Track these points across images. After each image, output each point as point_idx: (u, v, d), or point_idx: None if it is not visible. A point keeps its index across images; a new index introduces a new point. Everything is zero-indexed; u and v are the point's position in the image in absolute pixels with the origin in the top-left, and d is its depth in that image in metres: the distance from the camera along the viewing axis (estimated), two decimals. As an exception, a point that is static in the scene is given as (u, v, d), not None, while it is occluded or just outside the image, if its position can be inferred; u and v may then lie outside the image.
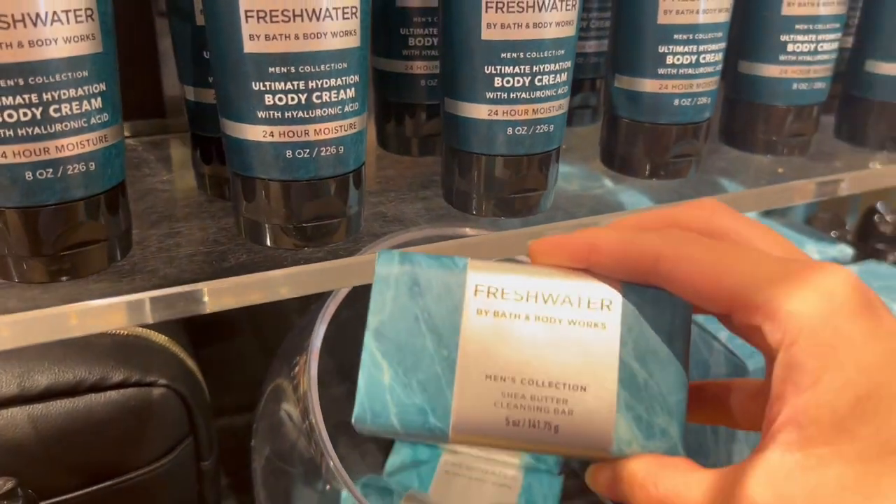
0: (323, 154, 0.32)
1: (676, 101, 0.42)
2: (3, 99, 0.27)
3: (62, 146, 0.29)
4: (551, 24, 0.35)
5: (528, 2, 0.34)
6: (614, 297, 0.25)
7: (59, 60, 0.28)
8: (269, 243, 0.35)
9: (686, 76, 0.42)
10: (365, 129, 0.35)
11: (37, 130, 0.28)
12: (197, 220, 0.38)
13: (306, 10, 0.30)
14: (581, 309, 0.24)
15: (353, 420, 0.25)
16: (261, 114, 0.31)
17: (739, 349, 0.50)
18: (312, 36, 0.30)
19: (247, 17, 0.30)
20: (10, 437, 0.41)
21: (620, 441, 0.24)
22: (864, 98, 0.51)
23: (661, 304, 0.25)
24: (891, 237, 0.82)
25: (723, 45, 0.42)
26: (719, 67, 0.43)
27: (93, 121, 0.30)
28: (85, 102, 0.29)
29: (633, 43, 0.42)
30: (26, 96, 0.27)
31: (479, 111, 0.36)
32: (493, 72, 0.35)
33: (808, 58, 0.46)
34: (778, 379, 0.21)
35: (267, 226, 0.34)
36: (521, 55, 0.35)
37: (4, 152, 0.28)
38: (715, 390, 0.28)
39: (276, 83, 0.31)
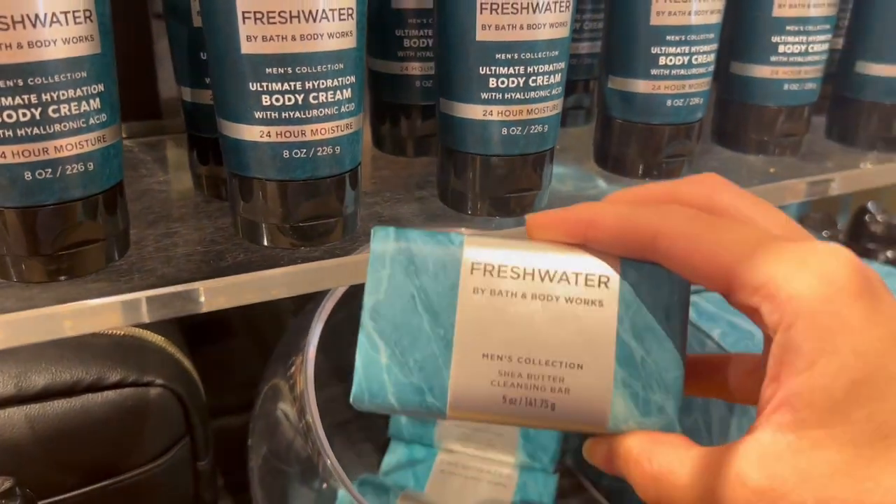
0: (319, 154, 0.33)
1: (669, 102, 0.43)
2: (3, 99, 0.27)
3: (61, 146, 0.29)
4: (545, 26, 0.35)
5: (522, 3, 0.34)
6: (612, 274, 0.24)
7: (57, 61, 0.28)
8: (265, 243, 0.35)
9: (678, 77, 0.42)
10: (361, 129, 0.35)
11: (36, 131, 0.28)
12: (194, 220, 0.39)
13: (303, 11, 0.30)
14: (578, 286, 0.24)
15: (351, 399, 0.25)
16: (258, 114, 0.32)
17: (733, 348, 0.50)
18: (309, 37, 0.31)
19: (244, 18, 0.30)
20: (8, 437, 0.42)
21: (617, 418, 0.24)
22: (855, 99, 0.51)
23: (659, 280, 0.24)
24: (881, 237, 0.82)
25: (715, 46, 0.43)
26: (711, 68, 0.44)
27: (91, 121, 0.30)
28: (83, 103, 0.29)
29: (626, 44, 0.42)
30: (25, 97, 0.28)
31: (474, 111, 0.37)
32: (488, 72, 0.36)
33: (799, 59, 0.47)
34: (774, 360, 0.21)
35: (264, 225, 0.34)
36: (516, 56, 0.35)
37: (3, 152, 0.28)
38: (713, 363, 0.28)
39: (273, 84, 0.31)
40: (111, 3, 0.31)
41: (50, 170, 0.29)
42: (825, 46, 0.48)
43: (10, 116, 0.28)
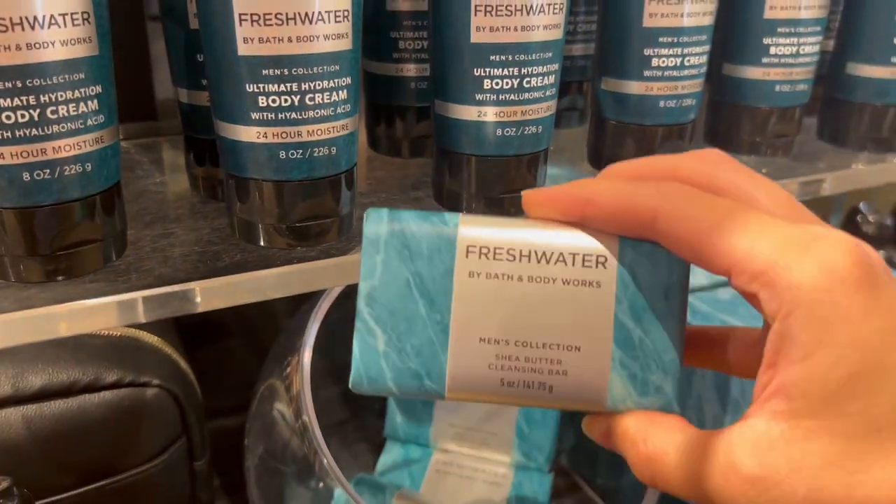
0: (316, 155, 0.33)
1: (662, 103, 0.43)
2: (1, 101, 0.28)
3: (59, 147, 0.29)
4: (539, 28, 0.35)
5: (516, 5, 0.34)
6: (609, 254, 0.24)
7: (56, 63, 0.28)
8: (262, 243, 0.35)
9: (671, 78, 0.42)
10: (356, 130, 0.35)
11: (34, 132, 0.29)
12: (190, 220, 0.39)
13: (299, 13, 0.30)
14: (575, 267, 0.24)
15: (350, 384, 0.25)
16: (254, 115, 0.32)
17: (725, 346, 0.50)
18: (305, 39, 0.31)
19: (241, 20, 0.30)
20: (5, 438, 0.42)
21: (615, 399, 0.24)
22: (846, 100, 0.52)
23: (657, 260, 0.24)
24: (873, 237, 0.83)
25: (707, 47, 0.43)
26: (703, 70, 0.44)
27: (89, 122, 0.30)
28: (81, 104, 0.29)
29: (619, 46, 0.43)
30: (24, 98, 0.28)
31: (468, 113, 0.37)
32: (483, 74, 0.36)
33: (791, 60, 0.47)
34: (771, 347, 0.20)
35: (260, 226, 0.35)
36: (510, 58, 0.35)
37: (2, 153, 0.28)
38: (714, 336, 0.28)
39: (270, 85, 0.31)
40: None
41: (48, 170, 0.29)
42: (816, 48, 0.48)
43: (8, 118, 0.28)
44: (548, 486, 0.60)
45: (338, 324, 0.49)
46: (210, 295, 0.33)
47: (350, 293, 0.25)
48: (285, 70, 0.31)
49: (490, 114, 0.37)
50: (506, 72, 0.36)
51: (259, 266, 0.34)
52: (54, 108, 0.29)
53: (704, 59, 0.44)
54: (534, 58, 0.36)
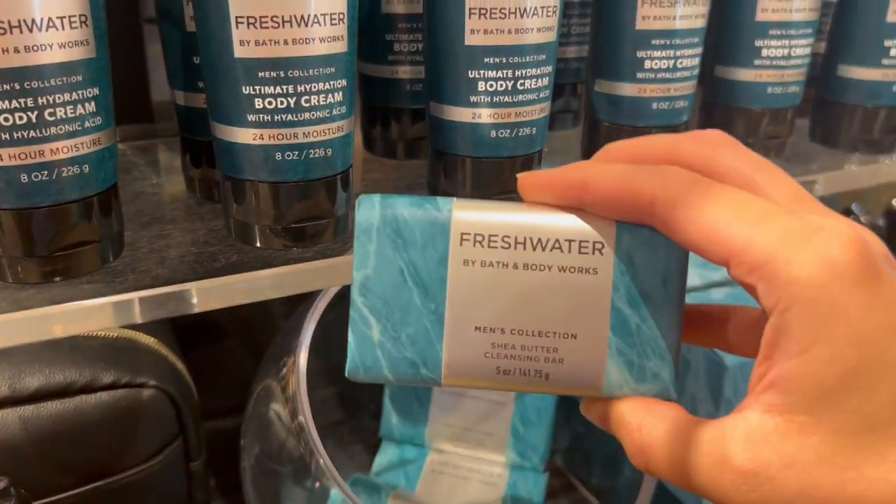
0: (311, 156, 0.33)
1: (654, 105, 0.43)
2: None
3: (57, 149, 0.29)
4: (533, 30, 0.36)
5: (510, 8, 0.35)
6: (606, 240, 0.23)
7: (54, 65, 0.29)
8: (258, 244, 0.35)
9: (664, 80, 0.43)
10: (352, 132, 0.35)
11: (32, 134, 0.29)
12: (187, 222, 0.39)
13: (295, 16, 0.31)
14: (571, 254, 0.23)
15: (346, 373, 0.24)
16: (251, 117, 0.32)
17: (718, 346, 0.51)
18: (301, 41, 0.31)
19: (237, 22, 0.31)
20: (3, 438, 0.42)
21: (611, 385, 0.24)
22: (837, 102, 0.52)
23: (655, 245, 0.23)
24: (866, 238, 0.83)
25: (699, 50, 0.44)
26: (696, 72, 0.44)
27: (87, 124, 0.30)
28: (79, 106, 0.30)
29: (612, 48, 0.43)
30: (22, 100, 0.28)
31: (463, 114, 0.37)
32: (477, 76, 0.36)
33: (782, 62, 0.48)
34: (768, 340, 0.20)
35: (256, 227, 0.35)
36: (504, 60, 0.36)
37: (0, 155, 0.29)
38: (714, 315, 0.27)
39: (266, 87, 0.32)
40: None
41: (46, 172, 0.29)
42: (807, 50, 0.49)
43: (6, 119, 0.28)
44: (543, 486, 0.61)
45: (334, 324, 0.49)
46: (206, 296, 0.33)
47: (346, 294, 0.25)
48: (281, 72, 0.31)
49: (484, 115, 0.37)
50: (500, 74, 0.36)
51: (255, 267, 0.34)
52: (52, 110, 0.29)
53: (697, 61, 0.44)
54: (528, 60, 0.36)
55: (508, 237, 0.24)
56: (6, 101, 0.28)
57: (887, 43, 0.49)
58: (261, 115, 0.32)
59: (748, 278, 0.20)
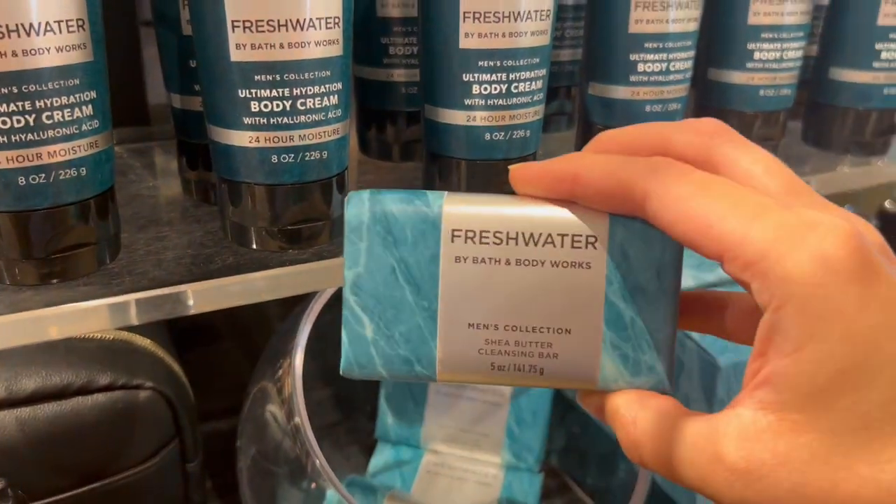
0: (307, 159, 0.34)
1: (648, 108, 0.44)
2: (-3, 106, 0.28)
3: (54, 152, 0.30)
4: (526, 34, 0.36)
5: (504, 12, 0.35)
6: (599, 234, 0.23)
7: (51, 69, 0.29)
8: (254, 246, 0.36)
9: (657, 83, 0.43)
10: (347, 134, 0.36)
11: (29, 137, 0.29)
12: (183, 224, 0.39)
13: (291, 20, 0.31)
14: (564, 249, 0.23)
15: (341, 371, 0.24)
16: (247, 120, 0.32)
17: (711, 347, 0.51)
18: (297, 45, 0.32)
19: (233, 26, 0.31)
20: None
21: (606, 379, 0.24)
22: (829, 104, 0.53)
23: (649, 238, 0.23)
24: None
25: (692, 53, 0.44)
26: (689, 75, 0.45)
27: (84, 127, 0.30)
28: (76, 109, 0.30)
29: (605, 51, 0.43)
30: (19, 104, 0.28)
31: (457, 117, 0.38)
32: (471, 79, 0.36)
33: (774, 65, 0.48)
34: (762, 337, 0.20)
35: (252, 229, 0.35)
36: (498, 63, 0.36)
37: (-2, 158, 0.29)
38: (711, 302, 0.27)
39: (262, 90, 0.32)
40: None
41: (43, 175, 0.30)
42: (799, 53, 0.49)
43: (4, 123, 0.28)
44: (538, 487, 0.61)
45: (330, 326, 0.49)
46: (203, 297, 0.33)
47: (342, 295, 0.25)
48: (277, 76, 0.32)
49: (479, 118, 0.37)
50: (494, 77, 0.36)
51: (251, 269, 0.34)
52: (49, 113, 0.29)
53: (690, 64, 0.44)
54: (522, 63, 0.37)
55: (500, 233, 0.23)
56: (4, 105, 0.28)
57: (878, 46, 0.49)
58: (257, 118, 0.32)
59: (742, 275, 0.20)
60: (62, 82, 0.29)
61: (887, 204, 0.82)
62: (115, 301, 0.32)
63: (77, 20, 0.29)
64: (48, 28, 0.28)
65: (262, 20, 0.31)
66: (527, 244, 0.23)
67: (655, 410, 0.23)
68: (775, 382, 0.20)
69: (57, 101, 0.29)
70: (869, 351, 0.19)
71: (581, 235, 0.23)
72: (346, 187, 0.36)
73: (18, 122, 0.29)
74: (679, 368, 0.54)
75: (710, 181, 0.21)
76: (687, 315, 0.26)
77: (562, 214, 0.23)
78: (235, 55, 0.31)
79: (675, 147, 0.23)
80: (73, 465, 0.44)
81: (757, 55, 0.48)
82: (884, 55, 0.49)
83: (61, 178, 0.30)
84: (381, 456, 0.63)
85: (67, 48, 0.29)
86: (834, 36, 0.51)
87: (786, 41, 0.48)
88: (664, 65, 0.43)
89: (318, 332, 0.50)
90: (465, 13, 0.35)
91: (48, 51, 0.29)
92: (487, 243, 0.23)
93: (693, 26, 0.43)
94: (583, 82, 0.46)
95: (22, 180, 0.29)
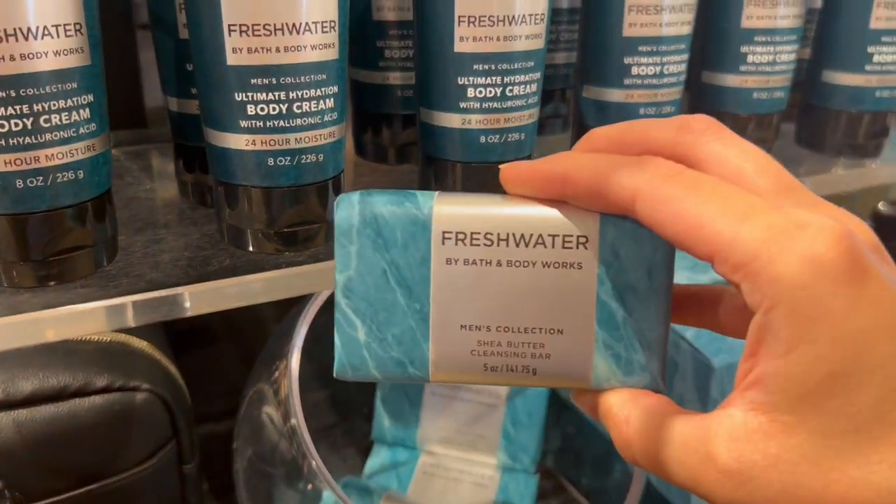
0: (303, 162, 0.34)
1: (642, 111, 0.44)
2: (-5, 110, 0.28)
3: (52, 155, 0.30)
4: (521, 38, 0.36)
5: (498, 16, 0.35)
6: (590, 234, 0.23)
7: (49, 73, 0.29)
8: (251, 248, 0.36)
9: (650, 86, 0.43)
10: (343, 137, 0.36)
11: (27, 140, 0.29)
12: (180, 226, 0.39)
13: (287, 24, 0.31)
14: (555, 249, 0.23)
15: (334, 373, 0.24)
16: (243, 123, 0.33)
17: (705, 348, 0.51)
18: (293, 49, 0.32)
19: (230, 30, 0.31)
20: (-4, 442, 0.42)
21: (599, 378, 0.24)
22: (822, 107, 0.53)
23: (640, 238, 0.23)
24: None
25: (685, 56, 0.44)
26: (683, 78, 0.45)
27: (81, 131, 0.31)
28: (74, 113, 0.30)
29: (599, 55, 0.44)
30: (17, 107, 0.29)
31: (453, 120, 0.38)
32: (466, 83, 0.37)
33: (767, 68, 0.48)
34: (753, 337, 0.20)
35: (249, 231, 0.35)
36: (493, 67, 0.36)
37: (-4, 161, 0.29)
38: (705, 296, 0.27)
39: (258, 94, 0.32)
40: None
41: (41, 178, 0.30)
42: (792, 56, 0.49)
43: (2, 126, 0.29)
44: (534, 488, 0.61)
45: (326, 328, 0.49)
46: (199, 299, 0.33)
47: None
48: (273, 79, 0.32)
49: (474, 121, 0.37)
50: (489, 80, 0.37)
51: (248, 271, 0.34)
52: (47, 116, 0.29)
53: (683, 67, 0.45)
54: (516, 67, 0.37)
55: (490, 234, 0.23)
56: (2, 108, 0.28)
57: (870, 49, 0.50)
58: (253, 122, 0.33)
59: (733, 276, 0.20)
60: (60, 86, 0.29)
61: (881, 206, 0.82)
62: (112, 303, 0.32)
63: (74, 24, 0.30)
64: (46, 32, 0.29)
65: (259, 24, 0.31)
66: (517, 245, 0.23)
67: (648, 409, 0.23)
68: (766, 384, 0.20)
69: (54, 105, 0.29)
70: (859, 353, 0.19)
71: (572, 236, 0.23)
72: (342, 190, 0.37)
73: (16, 125, 0.29)
74: (673, 369, 0.54)
75: (699, 181, 0.21)
76: (680, 310, 0.26)
77: (552, 215, 0.23)
78: (232, 59, 0.32)
79: (664, 144, 0.23)
80: (71, 466, 0.44)
81: (750, 58, 0.48)
82: (876, 58, 0.50)
83: (59, 180, 0.30)
84: (378, 457, 0.63)
85: (65, 52, 0.29)
86: (826, 39, 0.52)
87: (779, 44, 0.48)
88: (658, 68, 0.43)
89: (315, 334, 0.50)
90: (459, 17, 0.36)
91: (46, 55, 0.29)
92: (478, 245, 0.23)
93: (687, 30, 0.44)
94: (577, 85, 0.46)
95: (20, 183, 0.30)
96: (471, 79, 0.37)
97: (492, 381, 0.24)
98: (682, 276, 0.58)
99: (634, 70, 0.43)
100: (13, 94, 0.28)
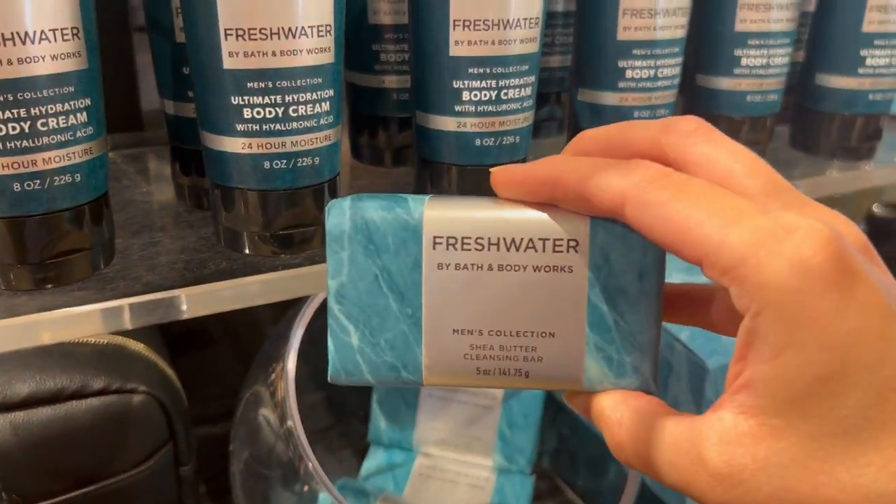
0: (299, 165, 0.34)
1: (636, 114, 0.44)
2: (-7, 113, 0.29)
3: (49, 159, 0.30)
4: (516, 41, 0.36)
5: (493, 20, 0.36)
6: (580, 238, 0.23)
7: (46, 77, 0.29)
8: (247, 251, 0.36)
9: (645, 89, 0.44)
10: (339, 140, 0.36)
11: (25, 143, 0.29)
12: (177, 229, 0.39)
13: (283, 28, 0.31)
14: (546, 253, 0.23)
15: (328, 378, 0.25)
16: (240, 127, 0.33)
17: (700, 350, 0.52)
18: (289, 53, 0.32)
19: (226, 34, 0.31)
20: (-7, 444, 0.42)
21: (591, 381, 0.24)
22: (815, 109, 0.53)
23: (630, 241, 0.23)
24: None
25: (679, 59, 0.45)
26: (677, 81, 0.45)
27: (78, 134, 0.31)
28: (71, 117, 0.30)
29: (594, 58, 0.44)
30: (15, 111, 0.29)
31: (448, 123, 0.38)
32: (461, 86, 0.37)
33: (761, 71, 0.49)
34: (742, 341, 0.20)
35: (245, 234, 0.35)
36: (488, 70, 0.37)
37: (-7, 164, 0.29)
38: (696, 295, 0.27)
39: (255, 97, 0.32)
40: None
41: (38, 181, 0.30)
42: (786, 59, 0.50)
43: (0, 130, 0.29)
44: (529, 489, 0.61)
45: (322, 330, 0.49)
46: (196, 302, 0.34)
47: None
48: (269, 83, 0.32)
49: (469, 124, 0.38)
50: (484, 84, 0.37)
51: (244, 273, 0.34)
52: (44, 120, 0.29)
53: (677, 70, 0.45)
54: (511, 70, 0.37)
55: (482, 239, 0.23)
56: (0, 112, 0.29)
57: (863, 52, 0.50)
58: (249, 125, 0.33)
59: (721, 280, 0.20)
60: (57, 90, 0.30)
61: (875, 208, 0.83)
62: (108, 306, 0.32)
63: (72, 28, 0.30)
64: (43, 37, 0.29)
65: (255, 28, 0.31)
66: (508, 249, 0.23)
67: (640, 411, 0.23)
68: (755, 387, 0.20)
69: (52, 109, 0.30)
70: (846, 357, 0.19)
71: (562, 239, 0.23)
72: (337, 192, 0.37)
73: (14, 129, 0.29)
74: (668, 370, 0.54)
75: (687, 184, 0.21)
76: (673, 309, 0.26)
77: (543, 218, 0.23)
78: (228, 63, 0.32)
79: (653, 146, 0.23)
80: (68, 468, 0.45)
81: (744, 61, 0.49)
82: (868, 61, 0.50)
83: (56, 184, 0.30)
84: (374, 459, 0.63)
85: (62, 56, 0.30)
86: (820, 42, 0.52)
87: (772, 47, 0.48)
88: (652, 71, 0.43)
89: (311, 336, 0.51)
90: (455, 21, 0.36)
91: (43, 59, 0.29)
92: (469, 249, 0.23)
93: (681, 33, 0.44)
94: (572, 88, 0.46)
95: (17, 186, 0.30)
96: (466, 82, 0.37)
97: (485, 385, 0.25)
98: (677, 278, 0.58)
99: (629, 73, 0.43)
100: (10, 97, 0.29)
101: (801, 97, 0.55)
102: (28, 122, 0.29)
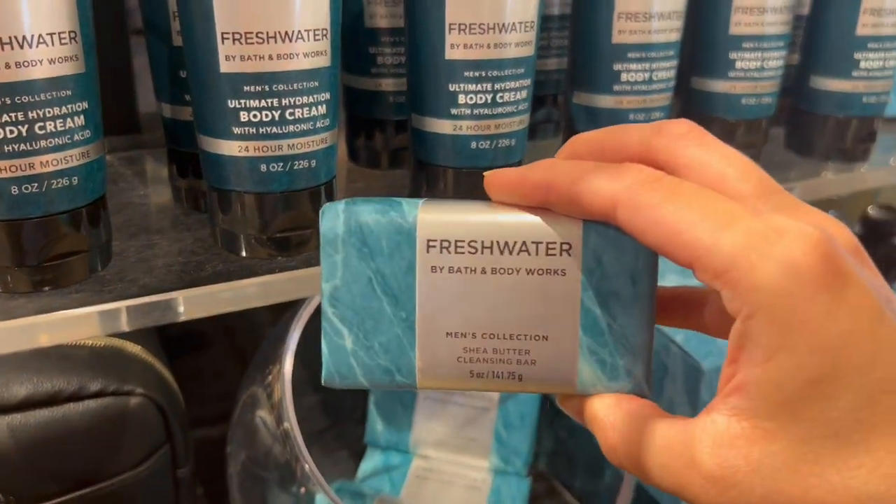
0: (296, 168, 0.34)
1: (632, 116, 0.45)
2: (-9, 117, 0.29)
3: (46, 162, 0.30)
4: (511, 45, 0.37)
5: (488, 24, 0.36)
6: (573, 241, 0.23)
7: (44, 80, 0.29)
8: (244, 253, 0.36)
9: (640, 92, 0.44)
10: (336, 143, 0.36)
11: (22, 147, 0.29)
12: (174, 231, 0.40)
13: (280, 32, 0.32)
14: (539, 256, 0.23)
15: (322, 381, 0.25)
16: (236, 130, 0.33)
17: (695, 351, 0.52)
18: (285, 56, 0.32)
19: (223, 38, 0.31)
20: (-9, 446, 0.42)
21: (584, 384, 0.24)
22: (810, 112, 0.54)
23: (622, 244, 0.23)
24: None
25: (674, 62, 0.45)
26: (672, 84, 0.46)
27: (76, 137, 0.31)
28: (68, 120, 0.30)
29: (589, 61, 0.44)
30: (12, 114, 0.29)
31: (444, 126, 0.38)
32: (457, 89, 0.37)
33: (756, 74, 0.49)
34: (734, 344, 0.20)
35: (242, 236, 0.36)
36: (483, 74, 0.37)
37: (-9, 168, 0.29)
38: (689, 298, 0.27)
39: (251, 101, 0.32)
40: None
41: (36, 184, 0.30)
42: (780, 62, 0.50)
43: (-3, 133, 0.29)
44: (526, 491, 0.61)
45: (319, 332, 0.49)
46: (193, 304, 0.34)
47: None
48: (266, 86, 0.32)
49: (465, 127, 0.38)
50: (480, 87, 0.37)
51: (241, 276, 0.35)
52: (42, 123, 0.30)
53: (672, 73, 0.45)
54: (507, 74, 0.37)
55: (475, 242, 0.23)
56: (-3, 115, 0.29)
57: (857, 55, 0.50)
58: (246, 128, 0.33)
59: (713, 283, 0.20)
60: (54, 93, 0.30)
61: (870, 209, 0.83)
62: (106, 308, 0.32)
63: (69, 32, 0.30)
64: (41, 40, 0.29)
65: (251, 32, 0.31)
66: (502, 253, 0.23)
67: (633, 414, 0.23)
68: (747, 390, 0.20)
69: (49, 112, 0.30)
70: (837, 360, 0.19)
71: (555, 243, 0.23)
72: (334, 195, 0.37)
73: (11, 132, 0.29)
74: (663, 372, 0.55)
75: (678, 187, 0.21)
76: (667, 311, 0.26)
77: (536, 222, 0.23)
78: (225, 66, 0.32)
79: (645, 149, 0.23)
80: (64, 471, 0.45)
81: (739, 64, 0.49)
82: (862, 64, 0.50)
83: (53, 187, 0.31)
84: (371, 461, 0.63)
85: (59, 60, 0.30)
86: (814, 45, 0.52)
87: (767, 50, 0.49)
88: (647, 74, 0.44)
89: (308, 338, 0.51)
90: (450, 24, 0.36)
91: (40, 63, 0.29)
92: (462, 253, 0.23)
93: (675, 36, 0.44)
94: (568, 91, 0.47)
95: (15, 189, 0.30)
96: (462, 85, 0.37)
97: (478, 388, 0.25)
98: (671, 280, 0.58)
99: (624, 76, 0.44)
100: (8, 101, 0.29)
101: (795, 100, 0.55)
102: (26, 126, 0.29)
